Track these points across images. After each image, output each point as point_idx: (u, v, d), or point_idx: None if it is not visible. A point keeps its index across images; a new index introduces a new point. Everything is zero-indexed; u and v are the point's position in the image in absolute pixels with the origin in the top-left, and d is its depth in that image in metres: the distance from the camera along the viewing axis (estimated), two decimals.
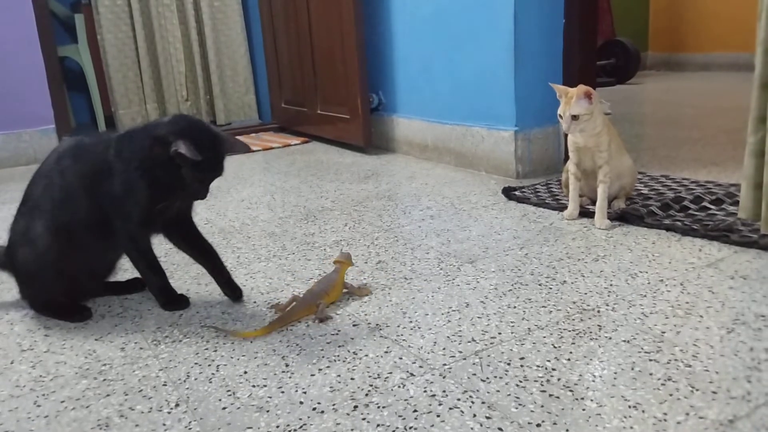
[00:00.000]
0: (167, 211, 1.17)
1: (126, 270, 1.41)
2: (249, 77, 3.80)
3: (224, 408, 0.88)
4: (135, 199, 1.14)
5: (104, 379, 0.98)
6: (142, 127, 1.18)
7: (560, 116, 1.50)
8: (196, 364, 1.01)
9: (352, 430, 0.82)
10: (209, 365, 1.00)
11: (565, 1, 2.08)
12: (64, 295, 1.22)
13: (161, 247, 1.27)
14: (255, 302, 1.24)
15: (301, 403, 0.88)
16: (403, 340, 1.05)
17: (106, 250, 1.25)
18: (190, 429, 0.84)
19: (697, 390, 0.86)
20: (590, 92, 1.47)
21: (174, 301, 1.24)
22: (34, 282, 1.21)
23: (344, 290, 1.23)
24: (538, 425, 0.80)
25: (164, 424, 0.85)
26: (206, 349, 1.05)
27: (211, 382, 0.95)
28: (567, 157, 1.65)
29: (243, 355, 1.02)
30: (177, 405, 0.90)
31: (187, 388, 0.94)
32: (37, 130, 2.87)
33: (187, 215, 1.26)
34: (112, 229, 1.17)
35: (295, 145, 3.09)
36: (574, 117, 1.47)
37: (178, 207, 1.21)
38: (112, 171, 1.14)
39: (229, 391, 0.92)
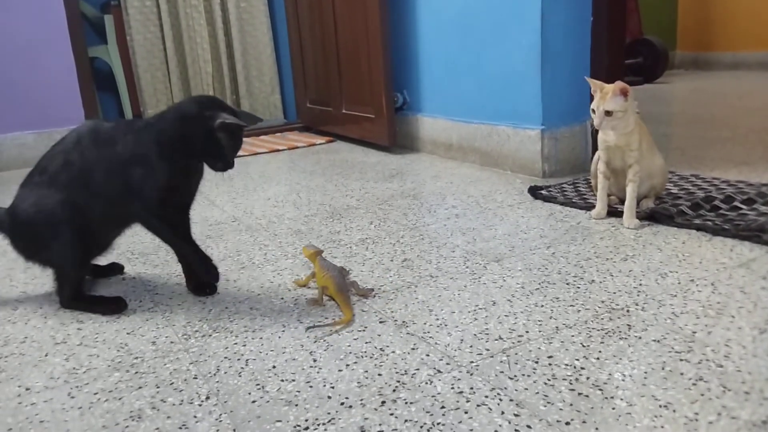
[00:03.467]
0: (185, 190, 1.27)
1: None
2: (275, 77, 3.83)
3: (254, 401, 0.89)
4: (156, 179, 1.19)
5: (136, 372, 1.00)
6: (163, 112, 1.25)
7: (593, 111, 1.49)
8: (225, 358, 1.02)
9: (380, 424, 0.82)
10: (238, 359, 1.01)
11: None
12: (64, 254, 1.24)
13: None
14: (282, 298, 1.25)
15: (329, 397, 0.89)
16: (430, 337, 1.05)
17: (111, 229, 1.31)
18: (220, 421, 0.85)
19: (729, 390, 0.84)
20: (626, 89, 1.45)
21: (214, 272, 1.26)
22: (37, 240, 1.24)
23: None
24: (567, 423, 0.80)
25: (195, 416, 0.86)
26: (235, 343, 1.07)
27: (240, 376, 0.96)
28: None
29: (271, 350, 1.03)
30: (207, 398, 0.91)
31: (217, 382, 0.95)
32: (67, 129, 2.91)
33: (189, 205, 1.31)
34: (122, 210, 1.23)
35: (320, 144, 3.10)
36: (608, 113, 1.45)
37: (190, 190, 1.29)
38: (135, 154, 1.19)
39: (258, 385, 0.93)
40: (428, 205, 1.87)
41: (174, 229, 1.26)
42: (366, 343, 1.04)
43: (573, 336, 1.02)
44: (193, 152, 1.20)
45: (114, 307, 1.24)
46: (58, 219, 1.20)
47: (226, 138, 1.18)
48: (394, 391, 0.90)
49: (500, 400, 0.86)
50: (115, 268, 1.45)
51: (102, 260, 1.41)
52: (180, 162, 1.21)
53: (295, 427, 0.83)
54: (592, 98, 1.51)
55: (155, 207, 1.21)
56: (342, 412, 0.85)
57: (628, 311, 1.10)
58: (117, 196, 1.20)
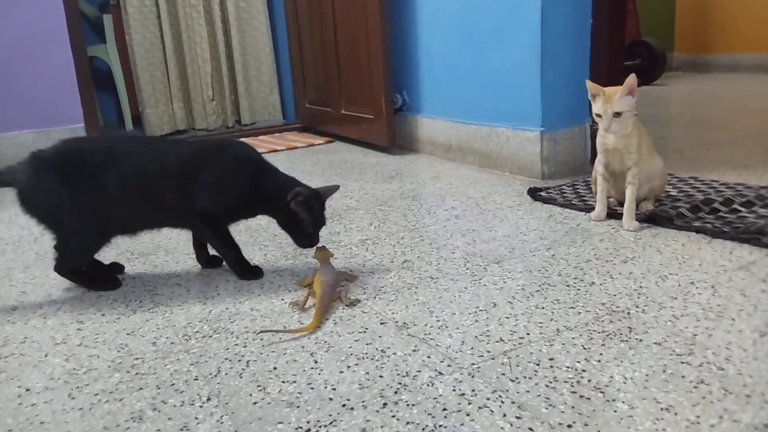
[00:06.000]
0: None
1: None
2: (273, 77, 3.82)
3: (255, 403, 0.89)
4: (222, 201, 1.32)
5: (137, 373, 0.99)
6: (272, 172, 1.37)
7: (598, 115, 1.48)
8: (226, 359, 1.02)
9: (382, 427, 0.82)
10: (239, 361, 1.01)
11: (592, 1, 2.06)
12: (74, 241, 1.30)
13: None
14: (282, 299, 1.25)
15: (331, 399, 0.89)
16: (431, 339, 1.05)
17: (137, 229, 1.35)
18: (221, 423, 0.85)
19: (730, 393, 0.85)
20: (634, 88, 1.45)
21: (250, 271, 1.38)
22: (54, 216, 1.27)
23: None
24: (569, 426, 0.80)
25: (196, 418, 0.86)
26: (236, 344, 1.07)
27: (241, 378, 0.96)
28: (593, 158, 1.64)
29: (272, 352, 1.03)
30: (209, 399, 0.91)
31: (218, 383, 0.95)
32: (66, 128, 2.91)
33: None
34: (171, 215, 1.32)
35: (319, 144, 3.10)
36: (617, 114, 1.46)
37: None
38: (221, 181, 1.30)
39: (259, 386, 0.93)
40: (428, 206, 1.87)
41: (222, 236, 1.37)
42: (367, 344, 1.04)
43: (574, 338, 1.02)
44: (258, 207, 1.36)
45: (109, 285, 1.35)
46: (84, 212, 1.25)
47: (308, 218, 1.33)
48: (395, 392, 0.90)
49: (502, 402, 0.86)
50: (116, 268, 1.45)
51: (103, 260, 1.41)
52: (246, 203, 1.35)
53: (296, 428, 0.83)
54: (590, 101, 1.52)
55: (212, 219, 1.33)
56: (343, 414, 0.85)
57: (628, 313, 1.10)
58: (174, 205, 1.29)
